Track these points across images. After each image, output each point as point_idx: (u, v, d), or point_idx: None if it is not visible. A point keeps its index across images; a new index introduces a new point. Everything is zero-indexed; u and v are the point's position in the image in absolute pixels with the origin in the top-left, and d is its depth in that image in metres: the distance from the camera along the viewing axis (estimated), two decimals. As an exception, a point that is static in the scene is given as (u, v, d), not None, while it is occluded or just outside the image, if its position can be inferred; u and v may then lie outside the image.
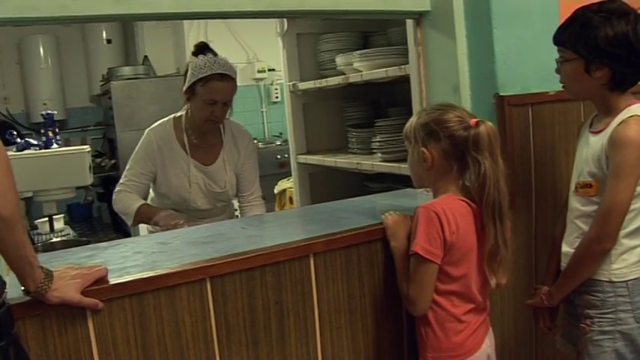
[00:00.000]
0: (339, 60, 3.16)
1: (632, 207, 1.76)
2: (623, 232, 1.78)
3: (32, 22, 1.83)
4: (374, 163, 2.87)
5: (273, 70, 6.32)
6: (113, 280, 1.54)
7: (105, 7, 1.76)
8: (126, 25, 6.68)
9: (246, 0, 1.94)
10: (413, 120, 1.85)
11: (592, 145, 1.83)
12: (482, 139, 1.72)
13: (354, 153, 3.23)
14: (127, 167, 2.71)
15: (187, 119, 2.71)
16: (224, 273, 1.64)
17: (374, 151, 2.96)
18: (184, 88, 2.65)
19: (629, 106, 1.79)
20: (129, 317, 1.54)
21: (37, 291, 1.38)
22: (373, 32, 3.35)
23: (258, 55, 6.42)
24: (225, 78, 2.59)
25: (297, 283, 1.75)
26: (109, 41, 6.59)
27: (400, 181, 2.85)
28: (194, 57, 2.65)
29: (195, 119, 2.67)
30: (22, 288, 1.39)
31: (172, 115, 2.77)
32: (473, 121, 1.76)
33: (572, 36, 1.80)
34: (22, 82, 6.50)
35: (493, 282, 1.80)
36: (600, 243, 1.76)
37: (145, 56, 6.36)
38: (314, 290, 1.78)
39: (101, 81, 6.26)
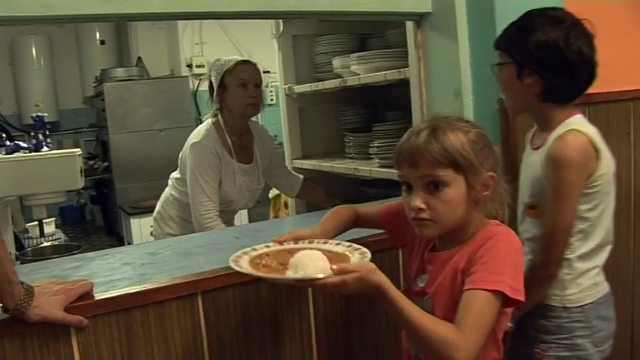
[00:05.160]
0: (336, 63, 3.09)
1: (580, 227, 1.67)
2: (574, 255, 1.68)
3: (15, 22, 1.75)
4: (372, 169, 2.80)
5: (268, 72, 6.23)
6: (99, 295, 1.47)
7: (91, 7, 1.68)
8: (120, 25, 6.61)
9: (241, 0, 1.86)
10: (463, 140, 1.34)
11: (532, 164, 1.72)
12: None
13: (351, 158, 3.16)
14: (198, 183, 2.60)
15: (225, 121, 2.73)
16: (216, 287, 1.57)
17: (371, 156, 2.88)
18: (216, 90, 2.70)
19: (568, 117, 1.68)
20: (115, 334, 1.47)
21: (17, 308, 1.30)
22: (371, 34, 3.28)
23: (253, 57, 6.32)
24: (248, 62, 2.76)
25: (293, 298, 1.68)
26: (102, 42, 6.51)
27: (398, 187, 2.77)
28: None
29: (235, 112, 2.71)
30: (1, 305, 1.31)
31: (207, 123, 2.75)
32: None
33: (508, 39, 1.72)
34: (14, 83, 6.42)
35: None
36: (546, 269, 1.66)
37: (139, 57, 6.28)
38: (310, 305, 1.71)
39: (94, 82, 6.19)
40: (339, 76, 3.09)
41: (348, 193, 3.36)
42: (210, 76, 2.78)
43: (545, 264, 1.67)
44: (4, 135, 3.16)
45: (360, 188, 3.40)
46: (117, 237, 6.00)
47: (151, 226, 3.05)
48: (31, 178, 2.75)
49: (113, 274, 1.65)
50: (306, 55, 3.45)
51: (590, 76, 1.68)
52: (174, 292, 1.52)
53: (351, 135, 3.19)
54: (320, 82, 3.22)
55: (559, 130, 1.65)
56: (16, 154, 2.83)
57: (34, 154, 2.86)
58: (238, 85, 2.67)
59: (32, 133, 3.00)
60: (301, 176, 3.16)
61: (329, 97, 3.46)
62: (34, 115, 3.10)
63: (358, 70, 2.89)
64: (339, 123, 3.49)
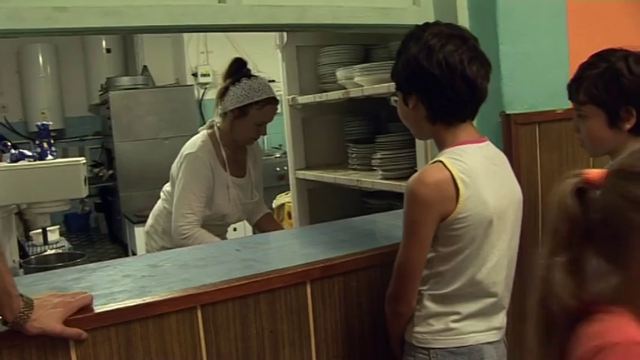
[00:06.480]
0: (340, 74, 3.09)
1: (439, 269, 1.55)
2: (427, 294, 1.58)
3: (20, 34, 1.77)
4: (374, 181, 2.79)
5: (273, 81, 6.23)
6: (99, 308, 1.46)
7: (94, 20, 1.68)
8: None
9: (243, 13, 1.86)
10: None
11: None
12: None
13: (354, 169, 3.15)
14: (186, 194, 2.58)
15: (222, 135, 2.70)
16: (216, 301, 1.57)
17: (374, 167, 2.88)
18: (233, 107, 2.64)
19: (454, 145, 1.55)
20: (114, 348, 1.46)
21: (16, 321, 1.30)
22: (374, 45, 3.28)
23: (259, 67, 6.34)
24: (275, 101, 2.74)
25: (292, 312, 1.67)
26: (108, 51, 6.54)
27: (400, 199, 2.76)
28: (234, 76, 2.67)
29: (238, 136, 2.71)
30: (0, 318, 1.31)
31: (203, 133, 2.74)
32: None
33: (394, 66, 1.64)
34: (20, 91, 6.45)
35: None
36: (392, 303, 1.61)
37: (145, 66, 6.31)
38: (310, 318, 1.70)
39: (100, 90, 6.21)
40: (343, 87, 3.09)
41: (350, 203, 3.35)
42: (226, 85, 2.67)
43: (392, 298, 1.61)
44: (9, 143, 3.18)
45: (362, 199, 3.39)
46: (121, 245, 6.01)
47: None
48: (35, 186, 2.76)
49: (113, 286, 1.64)
50: (309, 65, 3.45)
51: (469, 88, 1.52)
52: (174, 305, 1.52)
53: (354, 146, 3.19)
54: (324, 93, 3.22)
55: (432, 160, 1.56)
56: (20, 163, 2.84)
57: (38, 162, 2.88)
58: (258, 123, 2.67)
59: (37, 142, 3.02)
60: (267, 209, 3.06)
61: (332, 108, 3.46)
62: (39, 123, 3.12)
63: (362, 82, 2.89)
64: (343, 134, 3.48)
